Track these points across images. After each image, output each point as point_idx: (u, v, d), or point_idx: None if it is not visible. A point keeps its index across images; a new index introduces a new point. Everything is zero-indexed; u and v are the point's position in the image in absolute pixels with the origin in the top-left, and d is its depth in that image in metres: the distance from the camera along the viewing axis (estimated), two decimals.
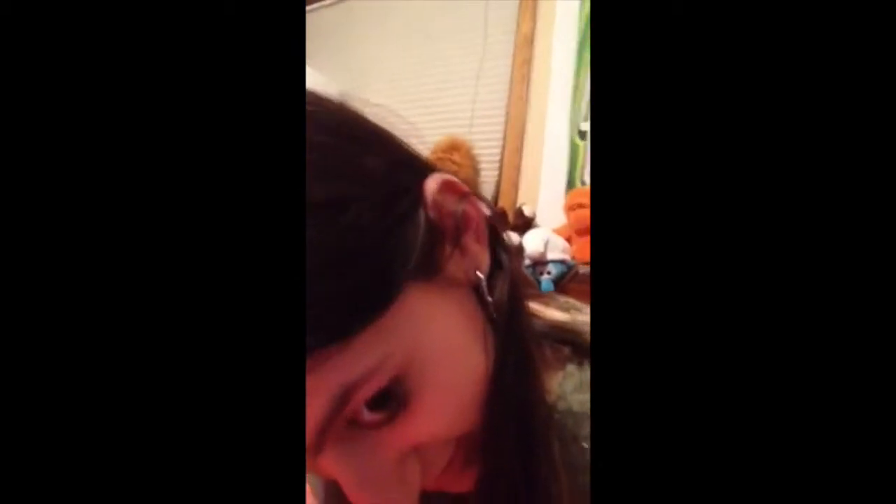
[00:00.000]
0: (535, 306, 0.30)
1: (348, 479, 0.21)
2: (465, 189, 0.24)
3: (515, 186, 1.46)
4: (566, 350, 0.30)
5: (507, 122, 1.48)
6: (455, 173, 0.24)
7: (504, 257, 0.26)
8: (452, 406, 0.22)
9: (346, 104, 0.23)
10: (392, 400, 0.21)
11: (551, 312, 0.31)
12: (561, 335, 0.30)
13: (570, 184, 1.33)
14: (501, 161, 1.49)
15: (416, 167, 0.24)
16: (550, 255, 1.16)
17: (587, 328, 0.30)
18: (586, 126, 1.32)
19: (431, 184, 0.22)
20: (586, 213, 1.18)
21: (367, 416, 0.20)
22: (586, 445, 0.28)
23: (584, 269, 1.17)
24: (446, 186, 0.23)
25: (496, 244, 0.26)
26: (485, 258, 0.24)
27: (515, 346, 0.24)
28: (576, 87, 1.34)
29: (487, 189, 1.48)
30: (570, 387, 0.29)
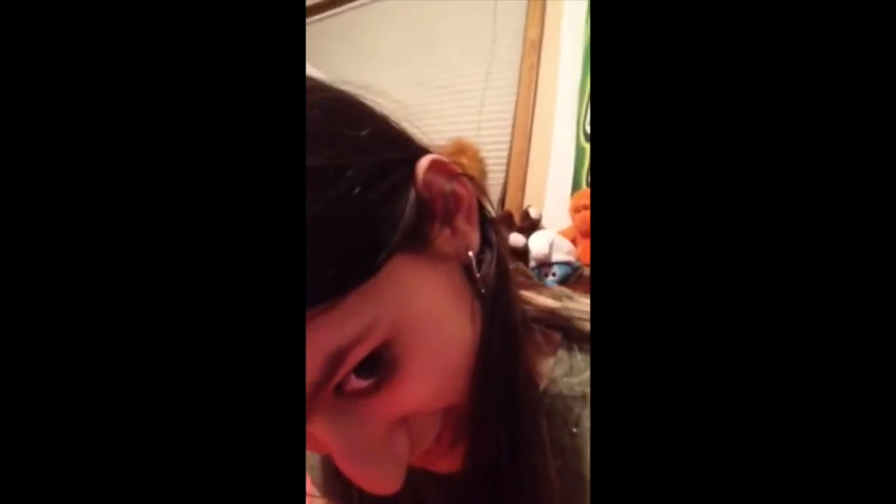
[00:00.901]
0: (527, 294, 0.31)
1: (338, 448, 0.22)
2: (456, 169, 0.24)
3: (522, 189, 1.46)
4: (557, 336, 0.30)
5: (513, 126, 1.49)
6: None
7: (492, 236, 0.26)
8: (439, 374, 0.22)
9: (337, 84, 0.24)
10: (380, 367, 0.21)
11: (543, 300, 0.31)
12: (552, 321, 0.30)
13: (576, 186, 1.33)
14: (508, 164, 1.49)
15: (407, 144, 0.24)
16: (555, 257, 1.16)
17: (577, 314, 0.30)
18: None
19: (422, 162, 0.23)
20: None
21: (355, 382, 0.21)
22: (576, 430, 0.28)
23: (589, 271, 1.17)
24: (436, 166, 0.23)
25: (485, 223, 0.26)
26: (475, 237, 0.25)
27: (502, 320, 0.25)
28: (582, 91, 1.35)
29: (494, 191, 1.49)
30: (561, 371, 0.29)
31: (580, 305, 0.31)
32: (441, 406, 0.24)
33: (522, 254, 1.16)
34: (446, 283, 0.23)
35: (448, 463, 0.26)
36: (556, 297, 0.32)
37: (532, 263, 1.17)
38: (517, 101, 1.48)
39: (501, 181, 1.50)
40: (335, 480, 0.35)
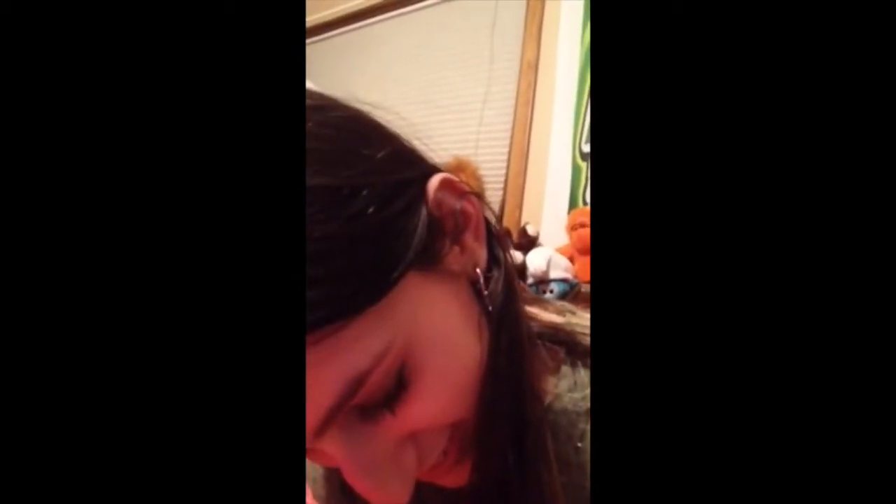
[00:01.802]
0: (532, 309, 0.31)
1: (347, 462, 0.22)
2: (465, 188, 0.25)
3: (519, 206, 1.48)
4: (561, 351, 0.31)
5: (511, 145, 1.51)
6: None
7: (500, 253, 0.27)
8: (449, 391, 0.23)
9: (350, 102, 0.24)
10: (392, 383, 0.21)
11: (548, 315, 0.32)
12: (557, 336, 0.31)
13: (573, 204, 1.34)
14: (506, 182, 1.51)
15: (419, 163, 0.25)
16: (553, 274, 1.17)
17: (581, 329, 0.31)
18: (588, 148, 1.34)
19: (433, 181, 0.23)
20: (588, 232, 1.19)
21: (369, 400, 0.21)
22: (580, 444, 0.29)
23: (586, 288, 1.18)
24: (446, 185, 0.24)
25: (492, 241, 0.27)
26: (482, 255, 0.25)
27: (509, 336, 0.25)
28: (577, 111, 1.37)
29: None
30: (565, 387, 0.30)
31: (584, 321, 0.32)
32: (449, 421, 0.24)
33: (520, 271, 1.16)
34: (456, 300, 0.24)
35: (455, 477, 0.26)
36: (560, 312, 0.32)
37: (530, 280, 1.18)
38: (514, 121, 1.50)
39: (499, 199, 1.51)
40: (337, 494, 0.35)
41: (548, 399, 0.29)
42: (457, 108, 1.63)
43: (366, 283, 0.20)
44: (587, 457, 0.28)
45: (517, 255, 1.20)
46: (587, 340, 0.30)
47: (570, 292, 1.17)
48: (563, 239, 1.31)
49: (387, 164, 0.22)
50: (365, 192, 0.20)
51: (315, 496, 0.38)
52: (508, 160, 1.51)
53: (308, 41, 1.99)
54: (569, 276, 1.19)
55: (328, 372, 0.19)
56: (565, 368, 0.30)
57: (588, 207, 1.29)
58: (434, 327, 0.22)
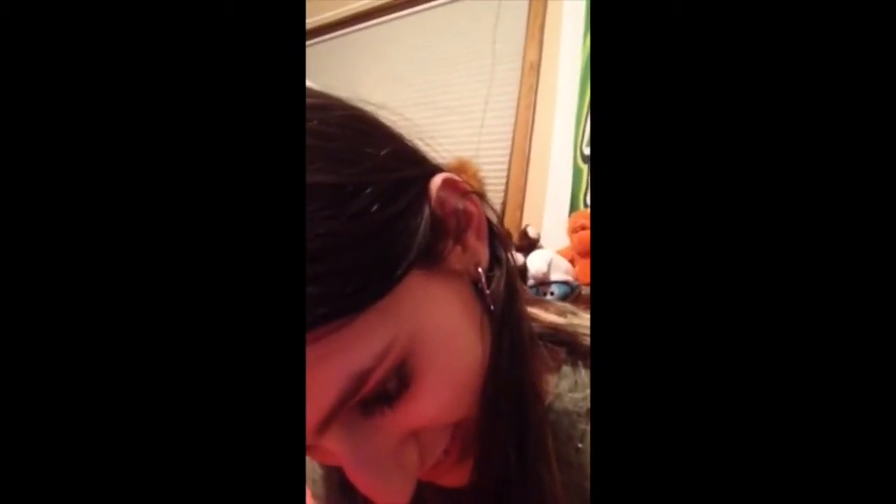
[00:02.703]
0: (534, 310, 0.32)
1: (349, 460, 0.22)
2: (467, 187, 0.25)
3: (520, 208, 1.48)
4: (562, 352, 0.31)
5: (512, 146, 1.51)
6: None
7: (502, 253, 0.27)
8: (451, 389, 0.23)
9: (353, 102, 0.24)
10: (395, 382, 0.21)
11: (549, 316, 0.32)
12: (558, 337, 0.31)
13: (574, 206, 1.34)
14: (507, 184, 1.51)
15: (421, 162, 0.25)
16: (554, 276, 1.17)
17: (582, 330, 0.31)
18: (589, 150, 1.34)
19: (436, 180, 0.24)
20: (589, 234, 1.19)
21: (371, 397, 0.21)
22: (581, 445, 0.29)
23: (587, 290, 1.18)
24: (448, 184, 0.24)
25: (494, 241, 0.27)
26: (485, 254, 0.26)
27: (511, 336, 0.25)
28: (579, 114, 1.37)
29: None
30: (566, 387, 0.30)
31: (585, 322, 0.32)
32: (451, 420, 0.24)
33: (521, 272, 1.17)
34: (458, 299, 0.24)
35: (456, 477, 0.26)
36: (561, 313, 0.32)
37: (530, 282, 1.18)
38: (516, 123, 1.50)
39: (500, 201, 1.51)
40: (337, 493, 0.35)
41: (549, 399, 0.29)
42: (459, 109, 1.63)
43: (369, 281, 0.20)
44: (587, 457, 0.28)
45: (518, 257, 1.21)
46: (589, 341, 0.30)
47: (570, 294, 1.17)
48: (564, 241, 1.31)
49: (390, 163, 0.22)
50: (368, 190, 0.20)
51: (314, 496, 0.38)
52: (510, 162, 1.51)
53: (312, 42, 2.00)
54: (569, 278, 1.20)
55: (330, 369, 0.20)
56: (566, 368, 0.30)
57: (588, 210, 1.29)
58: (436, 326, 0.22)
